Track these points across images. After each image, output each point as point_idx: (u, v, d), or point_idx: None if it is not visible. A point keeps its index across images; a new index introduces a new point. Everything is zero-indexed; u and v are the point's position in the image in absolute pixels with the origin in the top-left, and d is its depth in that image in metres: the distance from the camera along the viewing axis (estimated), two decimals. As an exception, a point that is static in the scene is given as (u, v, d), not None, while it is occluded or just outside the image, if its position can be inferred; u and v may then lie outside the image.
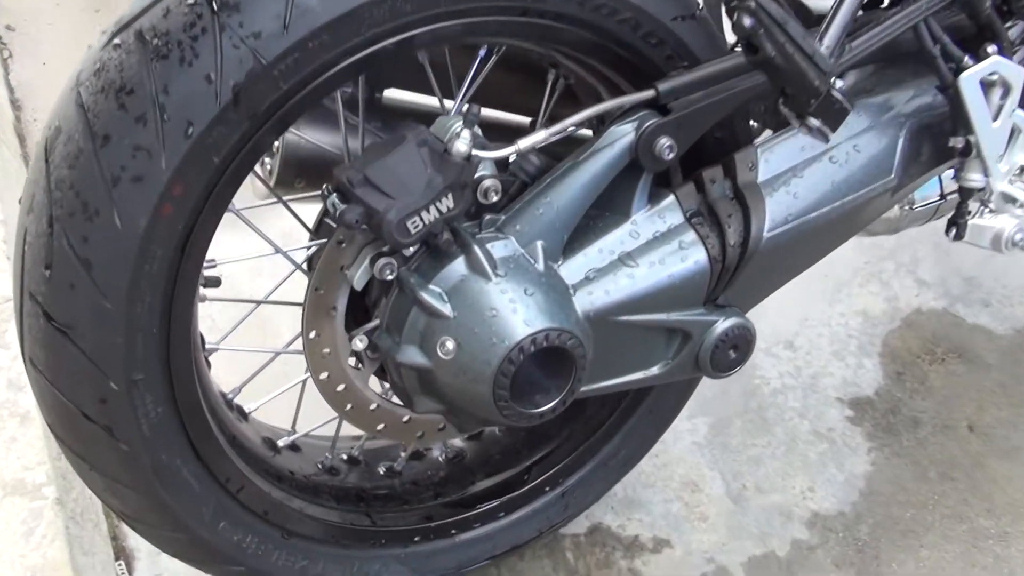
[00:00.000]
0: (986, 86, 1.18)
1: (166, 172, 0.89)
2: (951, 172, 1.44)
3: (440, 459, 1.37)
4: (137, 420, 0.99)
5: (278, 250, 1.12)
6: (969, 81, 1.15)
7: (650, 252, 1.09)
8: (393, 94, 1.34)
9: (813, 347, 1.83)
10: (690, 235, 1.10)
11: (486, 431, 1.41)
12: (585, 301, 1.07)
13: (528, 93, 1.29)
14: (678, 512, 1.55)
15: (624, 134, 1.06)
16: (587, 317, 1.06)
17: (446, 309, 1.02)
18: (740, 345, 1.15)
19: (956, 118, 1.19)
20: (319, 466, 1.28)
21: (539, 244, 1.06)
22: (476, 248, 1.03)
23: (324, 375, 1.12)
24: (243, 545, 1.13)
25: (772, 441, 1.66)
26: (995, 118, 1.19)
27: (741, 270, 1.12)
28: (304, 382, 1.24)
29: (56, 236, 0.91)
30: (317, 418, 1.28)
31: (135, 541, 1.44)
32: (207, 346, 1.13)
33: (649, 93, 1.06)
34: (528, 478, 1.37)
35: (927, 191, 1.50)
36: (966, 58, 1.16)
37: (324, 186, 1.04)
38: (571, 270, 1.07)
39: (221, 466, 1.09)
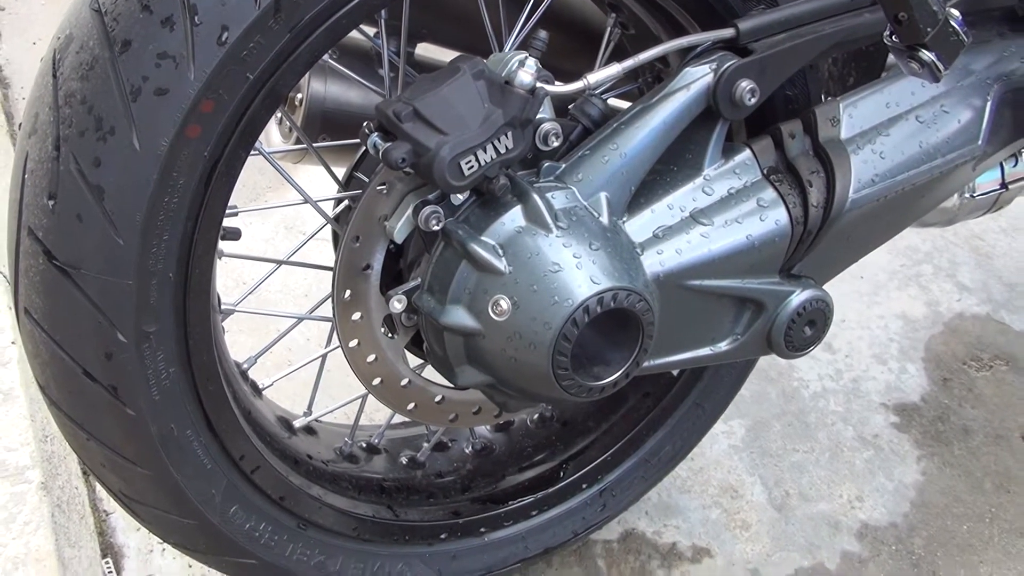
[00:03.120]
0: (1081, 46, 1.09)
1: (195, 84, 0.77)
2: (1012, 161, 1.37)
3: (467, 451, 1.24)
4: (147, 381, 0.86)
5: (307, 199, 1.00)
6: (1068, 38, 1.06)
7: (726, 210, 0.97)
8: (427, 51, 1.23)
9: (853, 350, 1.72)
10: (769, 193, 0.99)
11: (516, 422, 1.28)
12: (654, 261, 0.95)
13: (577, 55, 1.19)
14: (718, 519, 1.42)
15: (701, 75, 0.95)
16: (656, 279, 0.95)
17: (500, 264, 0.90)
18: (817, 321, 1.04)
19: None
20: (337, 452, 1.15)
21: (603, 196, 0.94)
22: (535, 196, 0.91)
23: (354, 343, 0.99)
24: (255, 534, 0.99)
25: (815, 447, 1.54)
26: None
27: (823, 235, 1.01)
28: (324, 357, 1.11)
29: (63, 159, 0.79)
30: (335, 402, 1.16)
31: (124, 538, 1.29)
32: (223, 307, 1.00)
33: (729, 31, 0.96)
34: (564, 474, 1.24)
35: (987, 178, 1.42)
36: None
37: (364, 124, 0.92)
38: (638, 227, 0.96)
39: (236, 442, 0.96)
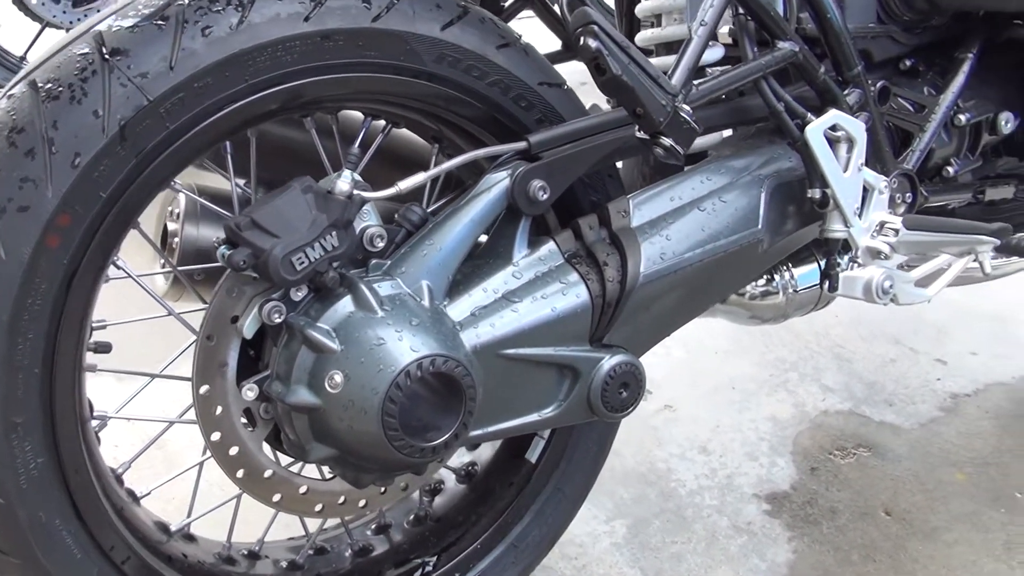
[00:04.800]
0: (832, 142, 1.30)
1: (52, 201, 0.93)
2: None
3: (346, 554, 1.32)
4: (15, 469, 0.96)
5: (171, 312, 1.14)
6: (814, 133, 1.27)
7: (533, 289, 1.13)
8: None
9: (726, 450, 1.84)
10: (571, 273, 1.15)
11: (393, 523, 1.37)
12: (471, 335, 1.09)
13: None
14: (601, 610, 1.49)
15: (500, 179, 1.13)
16: (474, 350, 1.09)
17: (333, 344, 1.04)
18: (630, 383, 1.17)
19: (810, 171, 1.29)
20: (216, 556, 1.22)
21: (425, 284, 1.10)
22: (362, 286, 1.06)
23: (216, 436, 1.10)
24: (126, 625, 1.06)
25: (692, 537, 1.63)
26: (845, 169, 1.30)
27: (622, 306, 1.16)
28: (202, 465, 1.22)
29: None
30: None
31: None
32: (95, 414, 1.11)
33: (522, 144, 1.14)
34: (437, 564, 1.32)
35: (809, 276, 1.60)
36: (809, 115, 1.28)
37: (214, 240, 1.07)
38: (458, 309, 1.11)
39: (105, 533, 1.04)
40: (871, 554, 1.61)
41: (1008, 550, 1.62)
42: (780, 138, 1.36)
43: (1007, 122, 1.57)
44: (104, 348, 1.11)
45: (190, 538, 1.22)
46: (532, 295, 1.13)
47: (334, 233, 1.05)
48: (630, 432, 1.87)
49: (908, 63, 1.53)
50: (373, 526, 1.37)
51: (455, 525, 1.36)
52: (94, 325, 1.08)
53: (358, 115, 1.21)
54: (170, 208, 1.33)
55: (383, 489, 1.24)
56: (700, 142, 1.36)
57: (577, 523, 1.63)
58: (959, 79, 1.50)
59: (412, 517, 1.37)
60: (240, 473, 1.13)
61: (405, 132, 1.29)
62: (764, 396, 2.00)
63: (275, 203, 1.05)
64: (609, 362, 1.16)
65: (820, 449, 1.85)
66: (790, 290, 1.57)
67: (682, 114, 1.06)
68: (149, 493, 1.20)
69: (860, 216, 1.37)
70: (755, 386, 2.03)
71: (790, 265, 1.58)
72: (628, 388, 1.18)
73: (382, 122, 1.20)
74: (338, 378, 1.03)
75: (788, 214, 1.34)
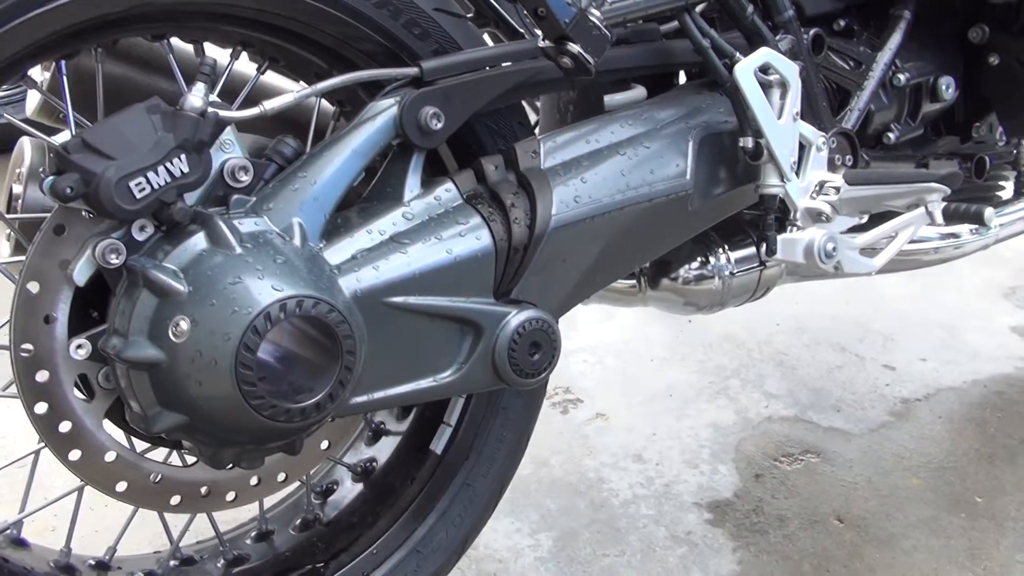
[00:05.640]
0: (764, 87, 1.17)
1: None
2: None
3: (217, 565, 1.13)
4: None
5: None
6: (744, 72, 1.14)
7: (426, 232, 0.97)
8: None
9: (664, 458, 1.68)
10: (470, 214, 0.99)
11: (277, 530, 1.18)
12: (351, 280, 0.92)
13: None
14: (522, 630, 1.30)
15: (386, 106, 0.98)
16: (355, 297, 0.92)
17: (180, 285, 0.86)
18: (541, 343, 1.01)
19: (741, 117, 1.16)
20: (51, 564, 1.02)
21: (296, 222, 0.93)
22: (218, 221, 0.89)
23: (42, 408, 0.91)
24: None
25: (626, 550, 1.46)
26: (779, 116, 1.17)
27: (531, 254, 1.01)
28: (38, 453, 1.02)
29: None
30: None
31: None
32: None
33: (413, 70, 1.00)
34: (325, 573, 1.13)
35: (746, 260, 1.47)
36: (738, 54, 1.15)
37: (40, 170, 0.90)
38: (336, 253, 0.94)
39: None
40: (824, 563, 1.45)
41: (972, 556, 1.47)
42: (709, 90, 1.24)
43: (947, 87, 1.46)
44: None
45: (20, 543, 1.02)
46: (425, 237, 0.97)
47: (183, 156, 0.88)
48: (558, 441, 1.71)
49: (842, 23, 1.43)
50: (253, 533, 1.18)
51: (348, 528, 1.17)
52: None
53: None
54: (18, 169, 1.15)
55: (255, 479, 1.05)
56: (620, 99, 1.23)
57: (498, 536, 1.46)
58: (896, 36, 1.39)
59: (299, 521, 1.18)
60: (74, 455, 0.94)
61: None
62: (704, 403, 1.85)
63: (112, 121, 0.88)
64: (517, 318, 1.00)
65: (765, 456, 1.70)
66: (726, 274, 1.44)
67: (591, 18, 0.92)
68: (-33, 487, 1.00)
69: (798, 175, 1.24)
70: (694, 393, 1.88)
71: (726, 248, 1.45)
72: (540, 349, 1.01)
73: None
74: (184, 324, 0.85)
75: (719, 171, 1.21)
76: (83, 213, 0.89)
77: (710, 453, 1.70)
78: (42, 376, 0.91)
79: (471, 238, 0.98)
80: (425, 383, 0.98)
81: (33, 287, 0.89)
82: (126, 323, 0.88)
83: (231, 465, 1.00)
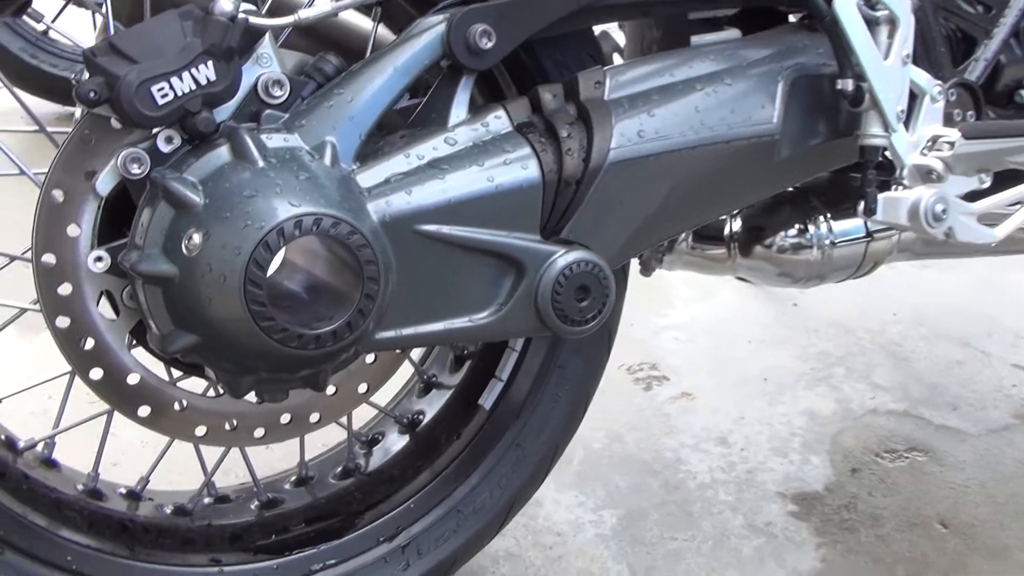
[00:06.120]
0: (870, 24, 1.04)
1: None
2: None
3: (250, 507, 1.08)
4: None
5: (23, 171, 0.93)
6: (845, 4, 1.01)
7: (467, 158, 0.89)
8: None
9: (750, 444, 1.55)
10: (520, 144, 0.91)
11: (317, 476, 1.13)
12: (381, 204, 0.86)
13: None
14: (571, 607, 1.22)
15: (434, 23, 0.90)
16: (384, 223, 0.85)
17: (196, 197, 0.82)
18: (591, 288, 0.92)
19: (841, 57, 1.03)
20: (78, 488, 1.00)
21: (329, 141, 0.87)
22: (244, 134, 0.84)
23: (64, 322, 0.89)
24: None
25: (697, 535, 1.35)
26: (886, 57, 1.04)
27: (585, 189, 0.91)
28: (74, 373, 1.00)
29: None
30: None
31: None
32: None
33: (465, -14, 0.92)
34: (356, 525, 1.07)
35: (850, 231, 1.34)
36: (840, -16, 1.03)
37: (72, 77, 0.87)
38: (369, 175, 0.88)
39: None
40: (920, 570, 1.30)
41: (1098, 578, 1.29)
42: (808, 31, 1.11)
43: (1101, 41, 1.28)
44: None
45: (50, 463, 1.00)
46: (465, 164, 0.89)
47: (210, 63, 0.83)
48: (638, 417, 1.61)
49: (972, -39, 1.27)
50: (292, 478, 1.13)
51: (388, 480, 1.11)
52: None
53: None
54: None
55: (287, 417, 1.00)
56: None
57: (559, 509, 1.37)
58: (1040, -23, 1.23)
59: (340, 470, 1.13)
60: (96, 374, 0.91)
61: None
62: (801, 390, 1.71)
63: (142, 26, 0.85)
64: (564, 258, 0.91)
65: (865, 450, 1.55)
66: (826, 243, 1.31)
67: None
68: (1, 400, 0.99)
69: (907, 127, 1.10)
70: (792, 379, 1.74)
71: (829, 216, 1.32)
72: (588, 295, 0.92)
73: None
74: (196, 238, 0.80)
75: (814, 118, 1.08)
76: (111, 122, 0.86)
77: (802, 442, 1.56)
78: (64, 289, 0.88)
79: (516, 167, 0.90)
80: (459, 323, 0.90)
81: (57, 196, 0.86)
82: (144, 236, 0.84)
83: (259, 400, 0.96)
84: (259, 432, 0.99)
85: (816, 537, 1.35)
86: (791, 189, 1.37)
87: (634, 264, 1.36)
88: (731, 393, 1.68)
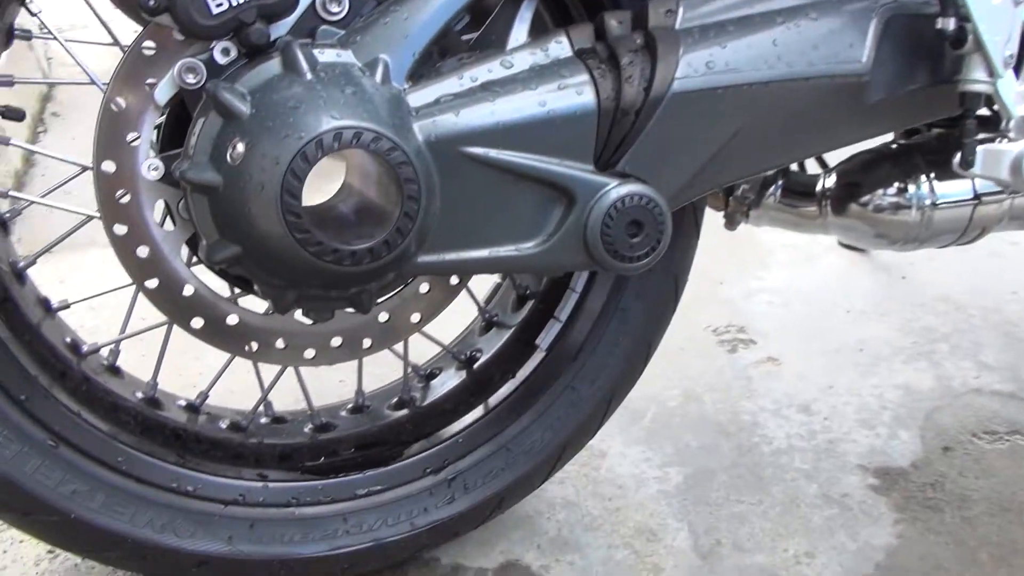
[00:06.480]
0: (978, -46, 0.95)
1: None
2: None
3: (304, 430, 1.10)
4: None
5: (93, 80, 0.95)
6: (949, -67, 0.93)
7: (521, 81, 0.86)
8: None
9: (835, 413, 1.48)
10: (577, 69, 0.87)
11: (372, 406, 1.13)
12: (428, 124, 0.84)
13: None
14: (623, 560, 1.18)
15: (496, -59, 0.88)
16: (429, 143, 0.83)
17: (244, 107, 0.82)
18: (644, 223, 0.88)
19: (943, -8, 0.96)
20: (137, 395, 1.03)
21: (381, 59, 0.85)
22: (296, 47, 0.83)
23: (121, 229, 0.91)
24: (-18, 431, 0.88)
25: (765, 499, 1.29)
26: (994, -7, 0.95)
27: (643, 121, 0.87)
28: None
29: None
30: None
31: None
32: (-2, 189, 0.94)
33: (533, -96, 0.89)
34: (404, 455, 1.07)
35: (955, 188, 1.24)
36: (946, -89, 0.94)
37: (141, -11, 0.88)
38: (420, 95, 0.86)
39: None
40: (1007, 556, 1.21)
41: None
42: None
43: None
44: (16, 115, 0.95)
45: (114, 369, 1.04)
46: (517, 87, 0.86)
47: (267, -25, 0.83)
48: (718, 379, 1.55)
49: None
50: (349, 406, 1.14)
51: (440, 414, 1.11)
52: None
53: None
54: None
55: (337, 340, 1.00)
56: None
57: (624, 462, 1.34)
58: None
59: (395, 400, 1.13)
60: (152, 283, 0.93)
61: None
62: (899, 363, 1.61)
63: (203, -63, 0.85)
64: (617, 190, 0.87)
65: (962, 429, 1.45)
66: (927, 204, 1.23)
67: None
68: (67, 306, 1.02)
69: (1017, 74, 1.01)
70: (890, 352, 1.64)
71: (932, 175, 1.23)
72: (641, 230, 0.88)
73: None
74: (240, 147, 0.80)
75: (911, 60, 1.00)
76: (173, 34, 0.87)
77: (893, 416, 1.47)
78: (122, 196, 0.90)
79: (571, 93, 0.86)
80: (505, 251, 0.88)
81: (118, 105, 0.88)
82: (194, 145, 0.85)
83: (311, 321, 0.96)
84: (309, 353, 1.00)
85: (895, 513, 1.28)
86: (893, 145, 1.29)
87: (719, 219, 1.31)
88: (821, 361, 1.60)
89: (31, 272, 0.99)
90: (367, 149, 0.79)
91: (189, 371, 1.38)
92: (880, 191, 1.24)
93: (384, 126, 0.80)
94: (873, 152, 1.27)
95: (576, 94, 0.86)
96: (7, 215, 0.98)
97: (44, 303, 1.00)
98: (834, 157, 1.21)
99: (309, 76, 0.82)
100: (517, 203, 0.87)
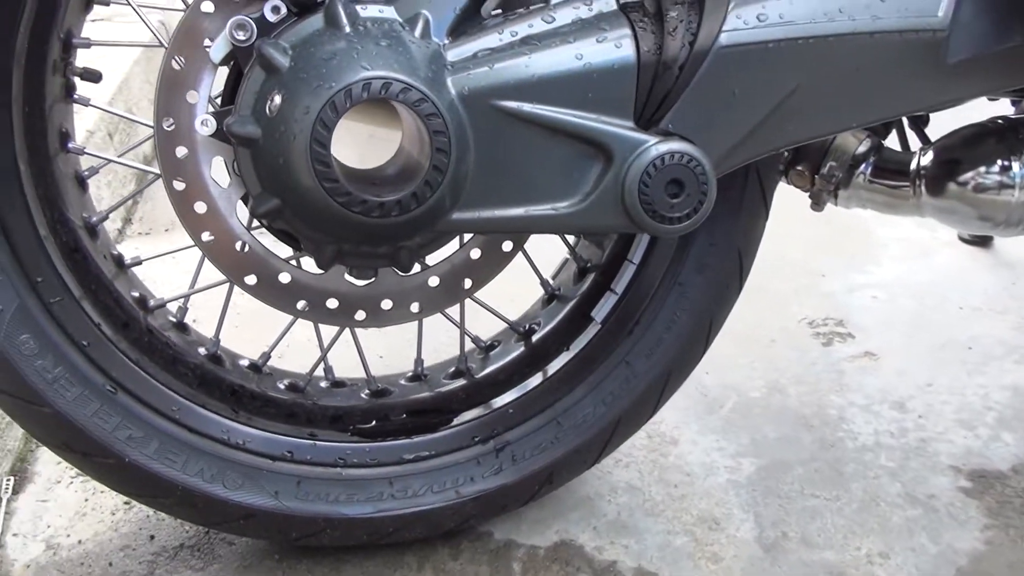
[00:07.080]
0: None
1: None
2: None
3: (361, 395, 1.11)
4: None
5: (160, 41, 0.99)
6: None
7: (559, 35, 0.85)
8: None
9: (931, 412, 1.38)
10: (619, 22, 0.85)
11: (430, 376, 1.13)
12: (462, 78, 0.83)
13: None
14: (682, 547, 1.14)
15: None
16: (463, 97, 0.83)
17: (284, 61, 0.83)
18: (685, 182, 0.85)
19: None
20: (200, 352, 1.06)
21: (422, 14, 0.86)
22: (338, 3, 0.85)
23: (180, 185, 0.94)
24: (47, 375, 0.93)
25: (842, 496, 1.22)
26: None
27: (688, 76, 0.84)
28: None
29: None
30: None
31: (41, 467, 1.26)
32: (70, 146, 0.99)
33: None
34: (453, 422, 1.06)
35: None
36: None
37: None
38: (459, 50, 0.85)
39: (34, 259, 0.92)
40: (1112, 571, 1.10)
41: None
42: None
43: None
44: (93, 76, 1.00)
45: (180, 326, 1.08)
46: (555, 41, 0.85)
47: (312, -68, 0.85)
48: (807, 372, 1.48)
49: None
50: (408, 374, 1.15)
51: (493, 384, 1.10)
52: (76, 42, 0.96)
53: None
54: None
55: (388, 303, 1.01)
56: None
57: (695, 450, 1.30)
58: None
59: (452, 370, 1.13)
60: (207, 236, 0.96)
61: None
62: (1011, 364, 1.50)
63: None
64: (657, 147, 0.84)
65: (1075, 435, 1.33)
66: (1026, 180, 1.13)
67: None
68: (139, 262, 1.07)
69: None
70: (1002, 351, 1.53)
71: (1042, 153, 1.14)
72: (682, 190, 0.85)
73: None
74: (277, 99, 0.82)
75: (999, 16, 0.93)
76: (229, -4, 0.90)
77: (996, 418, 1.37)
78: (181, 152, 0.93)
79: (609, 46, 0.84)
80: (540, 209, 0.87)
81: (177, 63, 0.92)
82: (242, 99, 0.87)
83: (358, 279, 0.97)
84: (360, 315, 1.01)
85: (985, 518, 1.18)
86: (999, 120, 1.20)
87: (805, 200, 1.25)
88: (923, 358, 1.51)
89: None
90: (396, 100, 0.79)
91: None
92: (982, 169, 1.15)
93: (415, 78, 0.80)
94: (976, 127, 1.19)
95: (615, 47, 0.84)
96: (85, 173, 1.04)
97: (118, 259, 1.05)
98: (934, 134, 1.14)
99: (347, 29, 0.83)
100: (553, 160, 0.86)
